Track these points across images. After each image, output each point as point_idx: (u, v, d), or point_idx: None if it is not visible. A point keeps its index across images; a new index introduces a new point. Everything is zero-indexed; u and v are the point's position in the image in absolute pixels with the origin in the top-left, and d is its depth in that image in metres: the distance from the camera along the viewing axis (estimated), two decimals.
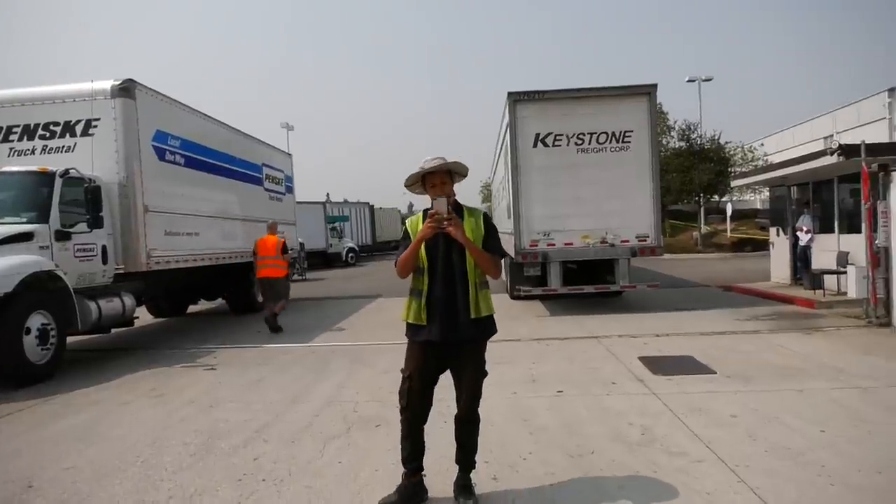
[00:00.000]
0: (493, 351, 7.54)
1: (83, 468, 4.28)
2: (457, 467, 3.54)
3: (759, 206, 39.89)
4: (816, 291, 11.48)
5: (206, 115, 11.67)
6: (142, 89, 9.25)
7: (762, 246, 21.26)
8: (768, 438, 4.28)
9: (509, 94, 11.40)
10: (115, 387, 6.82)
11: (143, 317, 12.74)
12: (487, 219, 3.48)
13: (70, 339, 8.11)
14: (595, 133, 11.21)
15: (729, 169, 29.43)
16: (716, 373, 6.26)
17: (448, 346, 3.35)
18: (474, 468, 3.56)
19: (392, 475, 3.88)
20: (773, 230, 14.75)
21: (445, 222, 3.14)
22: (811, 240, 12.38)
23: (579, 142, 11.24)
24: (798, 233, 12.76)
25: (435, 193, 3.30)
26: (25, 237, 7.37)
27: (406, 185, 3.52)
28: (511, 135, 11.44)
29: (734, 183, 18.30)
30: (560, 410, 5.18)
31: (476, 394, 3.44)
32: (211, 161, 11.65)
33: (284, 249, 10.84)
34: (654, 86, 11.30)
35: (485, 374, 3.49)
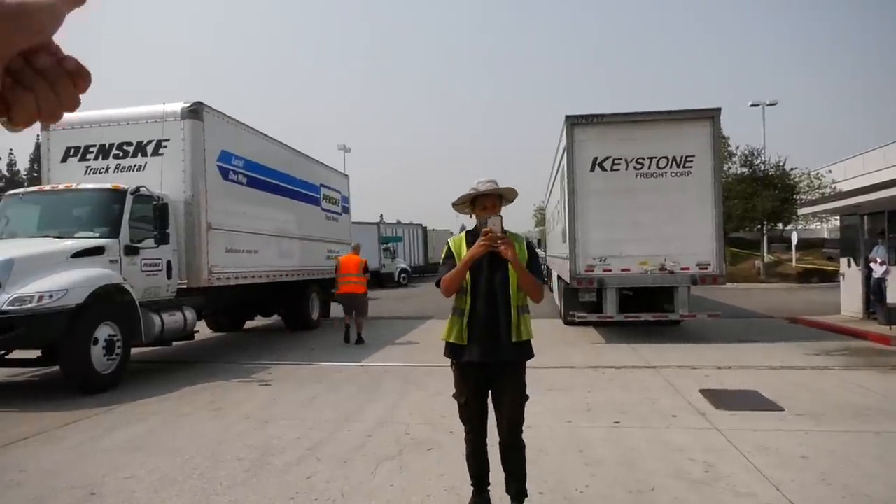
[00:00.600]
0: (546, 377, 7.54)
1: (142, 478, 4.37)
2: (508, 497, 3.45)
3: (826, 235, 38.24)
4: (893, 327, 10.83)
5: (268, 135, 12.03)
6: (209, 111, 9.62)
7: (830, 277, 20.34)
8: (845, 484, 4.00)
9: (567, 117, 11.32)
10: (176, 398, 7.00)
11: (204, 331, 13.11)
12: (530, 244, 3.52)
13: (134, 351, 8.40)
14: (655, 157, 10.99)
15: (794, 196, 28.37)
16: (784, 409, 5.95)
17: (488, 368, 3.34)
18: (527, 496, 3.46)
19: (444, 501, 3.84)
20: (843, 261, 14.06)
21: (499, 241, 3.13)
22: (886, 272, 11.71)
23: (638, 166, 11.03)
24: (872, 264, 12.11)
25: (485, 215, 3.32)
26: (97, 251, 7.71)
27: (455, 205, 3.55)
28: (568, 158, 11.33)
29: (802, 210, 17.55)
30: (617, 442, 5.00)
31: (518, 418, 3.40)
32: (272, 181, 11.98)
33: (366, 269, 11.35)
34: (718, 110, 11.03)
35: (526, 398, 3.44)
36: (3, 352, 7.44)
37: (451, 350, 3.39)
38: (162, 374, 8.54)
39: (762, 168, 29.47)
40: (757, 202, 27.86)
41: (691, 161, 10.94)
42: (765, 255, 31.07)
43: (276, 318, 14.54)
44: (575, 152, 11.24)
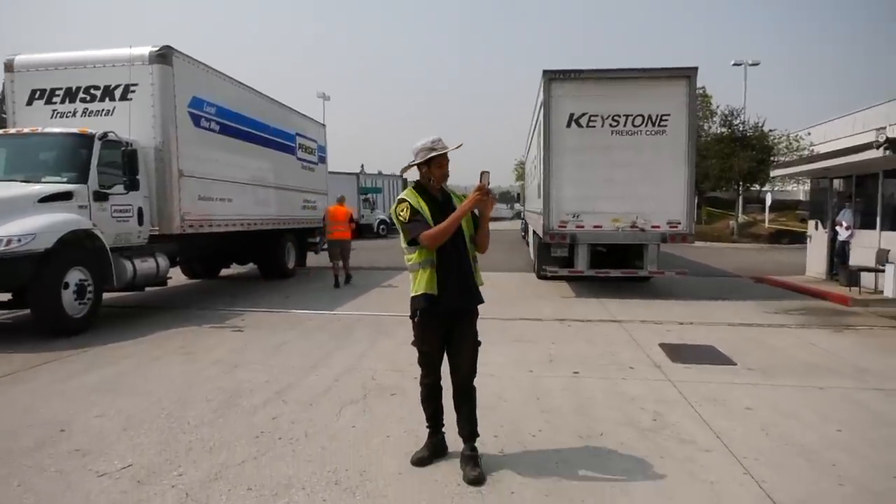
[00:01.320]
0: (514, 328, 7.76)
1: (112, 417, 4.49)
2: (461, 440, 3.65)
3: (802, 197, 38.82)
4: (852, 289, 11.20)
5: (241, 83, 11.81)
6: (179, 56, 9.40)
7: (801, 238, 20.72)
8: (782, 434, 4.25)
9: (545, 72, 11.25)
10: (147, 342, 7.08)
11: (178, 278, 13.12)
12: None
13: (107, 296, 8.42)
14: (631, 115, 11.03)
15: (771, 158, 28.65)
16: (737, 364, 6.21)
17: (453, 315, 3.53)
18: (478, 437, 3.67)
19: (403, 442, 4.01)
20: (811, 223, 14.38)
21: (489, 195, 3.34)
22: (851, 235, 12.04)
23: (614, 123, 11.07)
24: (837, 227, 12.43)
25: (441, 173, 3.53)
26: (65, 196, 7.63)
27: (410, 166, 3.63)
28: (545, 114, 11.32)
29: (774, 172, 17.79)
30: (575, 392, 5.22)
31: (475, 363, 3.63)
32: (245, 129, 11.82)
33: (351, 218, 12.87)
34: (695, 69, 11.03)
35: (479, 342, 3.67)
36: None
37: (425, 300, 3.47)
38: (135, 319, 8.60)
39: (741, 128, 29.60)
40: (734, 162, 28.10)
41: (666, 120, 11.00)
42: (739, 215, 31.54)
43: (252, 266, 14.57)
44: (551, 108, 11.22)
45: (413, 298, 3.54)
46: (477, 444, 3.65)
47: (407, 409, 4.60)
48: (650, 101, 11.02)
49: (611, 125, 11.09)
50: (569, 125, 11.19)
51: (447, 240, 3.41)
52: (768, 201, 31.40)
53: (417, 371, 3.74)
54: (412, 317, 3.60)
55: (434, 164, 3.51)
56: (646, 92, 11.04)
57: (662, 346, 6.98)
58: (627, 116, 11.05)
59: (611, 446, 3.99)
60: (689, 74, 11.03)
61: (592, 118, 11.14)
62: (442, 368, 3.67)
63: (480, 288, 3.66)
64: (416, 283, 3.52)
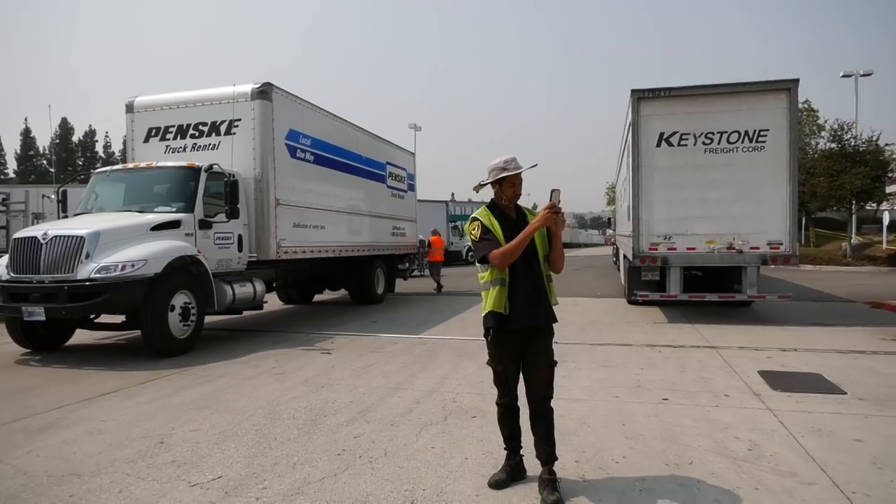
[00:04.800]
0: (602, 354, 7.57)
1: (206, 431, 4.74)
2: (539, 463, 3.59)
3: None
4: None
5: (334, 115, 12.36)
6: (278, 91, 10.00)
7: None
8: None
9: (633, 91, 11.03)
10: (242, 363, 7.45)
11: (274, 303, 13.78)
12: None
13: (208, 319, 8.96)
14: (725, 132, 10.57)
15: (889, 174, 26.48)
16: (846, 393, 5.72)
17: (527, 334, 3.50)
18: (556, 460, 3.58)
19: (481, 464, 3.98)
20: None
21: (559, 214, 3.32)
22: None
23: (707, 141, 10.65)
24: None
25: (515, 192, 3.55)
26: (174, 225, 8.25)
27: (483, 184, 3.68)
28: (633, 133, 11.07)
29: (891, 188, 16.42)
30: (662, 419, 4.98)
31: (551, 382, 3.57)
32: (338, 158, 12.34)
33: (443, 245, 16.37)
34: (796, 81, 10.44)
35: (555, 362, 3.61)
36: (91, 315, 8.12)
37: (494, 319, 3.48)
38: (232, 341, 9.08)
39: (852, 143, 27.59)
40: (845, 180, 26.16)
41: (765, 136, 10.46)
42: (852, 236, 29.27)
43: (343, 292, 15.04)
44: (640, 127, 10.96)
45: (484, 317, 3.53)
46: (556, 468, 3.56)
47: (487, 432, 4.57)
48: (746, 116, 10.53)
49: (704, 143, 10.68)
50: (658, 144, 10.87)
51: (518, 258, 3.41)
52: (885, 220, 28.87)
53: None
54: (485, 335, 3.58)
55: (506, 184, 3.53)
56: (741, 107, 10.57)
57: (762, 373, 6.54)
58: (722, 133, 10.60)
59: (700, 476, 3.77)
60: (789, 87, 10.44)
61: (684, 136, 10.77)
62: (520, 390, 3.63)
63: (556, 308, 3.60)
64: (486, 301, 3.52)
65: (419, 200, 19.27)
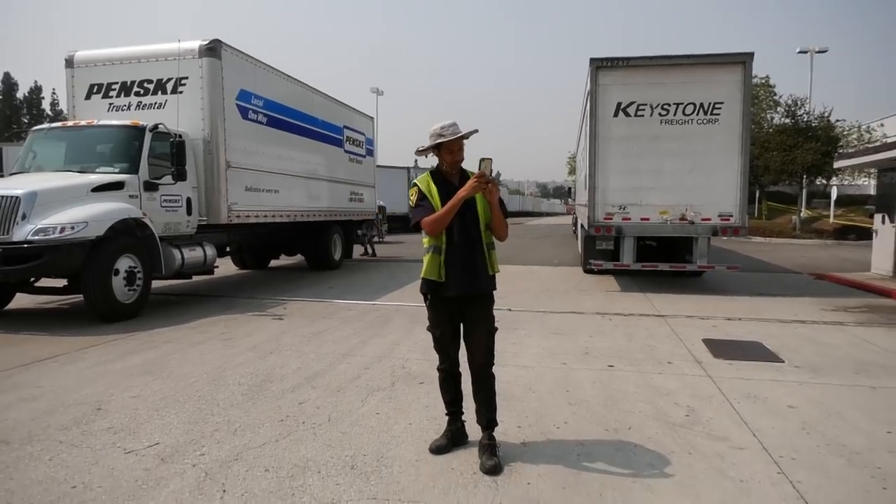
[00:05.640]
0: (553, 321, 7.64)
1: (147, 397, 4.63)
2: (479, 428, 3.61)
3: (872, 192, 36.83)
4: None
5: (289, 76, 12.00)
6: (227, 49, 9.63)
7: (868, 235, 19.66)
8: (825, 433, 4.01)
9: (592, 60, 10.99)
10: (190, 328, 7.29)
11: (229, 268, 13.52)
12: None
13: (156, 284, 8.72)
14: (682, 104, 10.66)
15: (838, 150, 27.24)
16: (784, 361, 5.91)
17: (464, 301, 3.50)
18: (497, 425, 3.62)
19: (424, 429, 3.99)
20: (877, 217, 13.59)
21: (489, 183, 3.28)
22: None
23: (664, 112, 10.73)
24: None
25: (454, 158, 3.48)
26: (117, 186, 7.94)
27: (421, 150, 3.61)
28: (591, 103, 11.06)
29: (838, 164, 16.84)
30: (606, 385, 5.07)
31: (489, 349, 3.55)
32: (292, 121, 12.01)
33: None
34: (751, 54, 10.55)
35: (495, 329, 3.60)
36: (31, 279, 7.81)
37: (429, 286, 3.53)
38: (182, 306, 8.88)
39: (805, 119, 28.25)
40: (797, 155, 26.85)
41: (719, 108, 10.58)
42: (802, 209, 30.18)
43: (300, 257, 14.84)
44: (598, 97, 10.96)
45: (421, 282, 3.55)
46: (498, 434, 3.60)
47: (433, 398, 4.56)
48: (702, 88, 10.62)
49: (660, 114, 10.75)
50: (616, 115, 10.90)
51: (455, 226, 3.41)
52: (833, 195, 29.86)
53: None
54: (424, 301, 3.60)
55: (444, 150, 3.48)
56: (697, 79, 10.65)
57: (706, 341, 6.72)
58: (678, 105, 10.68)
59: (637, 440, 3.86)
60: (744, 60, 10.55)
61: (641, 107, 10.82)
62: (462, 355, 3.63)
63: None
64: (424, 267, 3.52)
65: (379, 166, 19.04)
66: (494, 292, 3.61)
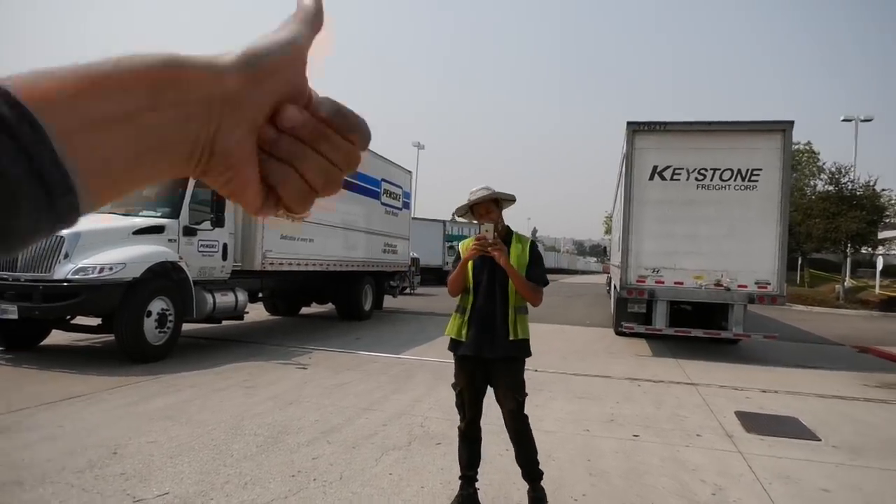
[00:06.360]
0: (579, 385, 7.48)
1: (163, 443, 4.64)
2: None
3: None
4: None
5: None
6: None
7: None
8: None
9: (629, 123, 11.06)
10: (215, 373, 7.34)
11: (261, 314, 13.67)
12: (534, 247, 3.66)
13: (190, 327, 8.86)
14: (718, 169, 10.58)
15: (885, 219, 26.58)
16: (821, 440, 5.63)
17: (485, 362, 3.49)
18: (541, 477, 3.58)
19: (437, 495, 3.89)
20: None
21: (489, 247, 3.32)
22: None
23: (700, 177, 10.66)
24: None
25: (482, 221, 3.53)
26: (157, 230, 8.19)
27: (457, 215, 3.81)
28: (627, 165, 11.08)
29: (883, 234, 16.49)
30: (630, 456, 4.89)
31: (515, 410, 3.51)
32: None
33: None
34: (790, 122, 10.48)
35: (524, 394, 3.56)
36: (67, 316, 8.02)
37: (452, 344, 3.60)
38: (209, 350, 8.97)
39: (849, 187, 27.72)
40: (841, 223, 26.24)
41: (758, 175, 10.47)
42: (846, 278, 29.27)
43: (331, 306, 14.93)
44: (634, 159, 10.98)
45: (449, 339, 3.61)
46: None
47: (449, 460, 4.46)
48: (740, 154, 10.55)
49: (696, 179, 10.69)
50: (651, 178, 10.88)
51: (482, 287, 3.47)
52: (879, 265, 28.93)
53: None
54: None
55: (476, 213, 3.57)
56: (736, 145, 10.59)
57: (738, 413, 6.45)
58: (715, 170, 10.61)
59: None
60: (784, 128, 10.48)
61: (677, 171, 10.78)
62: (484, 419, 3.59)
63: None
64: (448, 324, 3.62)
65: (416, 218, 19.28)
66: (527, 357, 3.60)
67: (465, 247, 3.59)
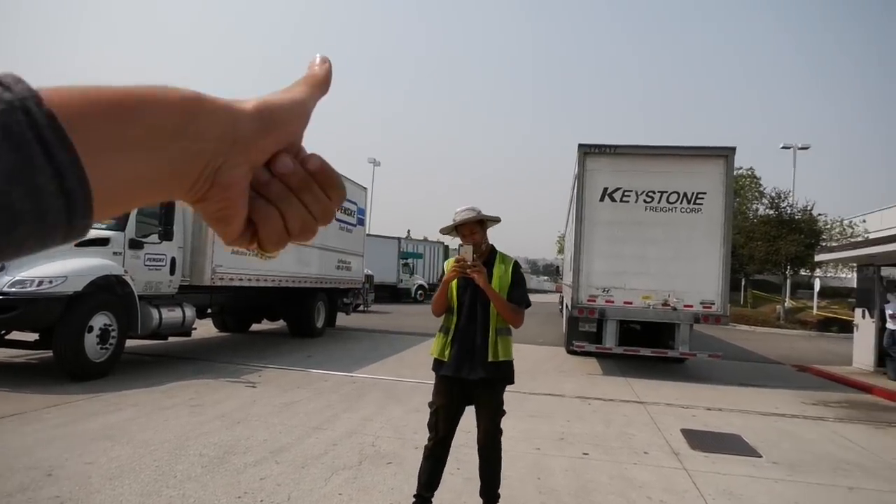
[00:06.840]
0: (531, 403, 7.53)
1: (102, 465, 4.46)
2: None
3: (855, 284, 37.31)
4: None
5: None
6: None
7: (850, 327, 19.79)
8: None
9: (580, 146, 11.33)
10: (160, 392, 7.10)
11: (210, 330, 13.33)
12: (517, 268, 3.71)
13: (134, 343, 8.56)
14: (666, 192, 10.93)
15: (821, 242, 27.82)
16: (762, 456, 5.82)
17: (465, 383, 3.53)
18: (498, 501, 3.62)
19: None
20: (858, 312, 13.73)
21: (469, 269, 3.35)
22: None
23: (648, 199, 10.98)
24: (889, 317, 11.80)
25: (465, 242, 3.55)
26: (102, 242, 7.92)
27: (443, 233, 3.84)
28: (578, 187, 11.33)
29: (819, 257, 17.26)
30: (579, 474, 4.95)
31: (490, 430, 3.57)
32: None
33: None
34: (733, 149, 10.93)
35: (502, 413, 3.63)
36: (2, 331, 7.65)
37: (435, 364, 3.65)
38: (154, 368, 8.68)
39: (788, 211, 28.96)
40: (781, 245, 27.36)
41: (702, 198, 10.86)
42: (786, 300, 30.44)
43: (282, 323, 14.68)
44: (585, 181, 11.24)
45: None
46: None
47: (399, 480, 4.44)
48: (686, 178, 10.92)
49: (645, 201, 11.01)
50: (602, 199, 11.15)
51: (465, 308, 3.53)
52: (817, 287, 30.19)
53: (418, 440, 3.70)
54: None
55: (460, 233, 3.61)
56: (682, 169, 10.97)
57: (684, 431, 6.61)
58: (662, 193, 10.96)
59: None
60: (727, 154, 10.92)
61: (626, 193, 11.08)
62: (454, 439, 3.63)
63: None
64: (433, 345, 3.68)
65: (370, 235, 19.18)
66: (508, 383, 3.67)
67: (449, 266, 3.59)
